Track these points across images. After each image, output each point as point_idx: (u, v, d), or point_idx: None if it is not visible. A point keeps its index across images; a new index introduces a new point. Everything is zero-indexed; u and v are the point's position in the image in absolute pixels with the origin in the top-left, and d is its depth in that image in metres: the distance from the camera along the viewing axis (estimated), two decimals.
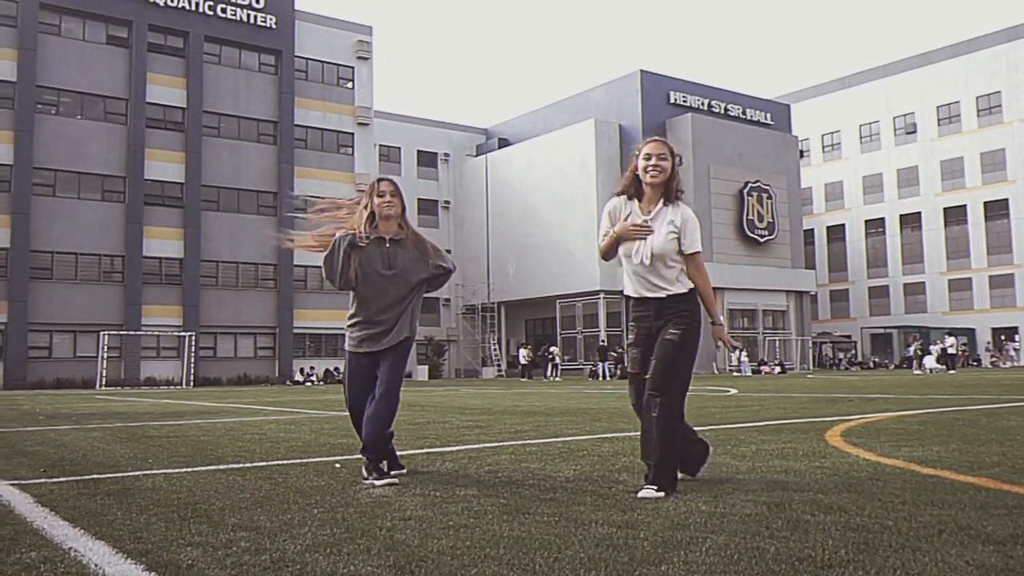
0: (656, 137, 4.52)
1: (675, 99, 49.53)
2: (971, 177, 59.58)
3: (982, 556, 2.73)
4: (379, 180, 5.01)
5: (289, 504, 4.00)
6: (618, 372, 38.93)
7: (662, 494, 4.03)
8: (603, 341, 44.02)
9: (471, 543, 3.07)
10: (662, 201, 4.40)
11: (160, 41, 41.64)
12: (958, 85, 60.19)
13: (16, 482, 4.96)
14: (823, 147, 68.10)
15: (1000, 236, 58.23)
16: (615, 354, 40.18)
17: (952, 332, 40.45)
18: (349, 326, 5.03)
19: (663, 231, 4.34)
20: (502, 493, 4.23)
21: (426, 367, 49.02)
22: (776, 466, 5.08)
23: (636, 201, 4.45)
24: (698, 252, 4.38)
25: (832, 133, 67.55)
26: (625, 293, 4.56)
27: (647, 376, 4.30)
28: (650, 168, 4.37)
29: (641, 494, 4.05)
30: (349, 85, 47.25)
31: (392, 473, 4.90)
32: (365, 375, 4.90)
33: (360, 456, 4.92)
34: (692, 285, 4.36)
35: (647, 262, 4.35)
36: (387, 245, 4.94)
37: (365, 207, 4.95)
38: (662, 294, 4.34)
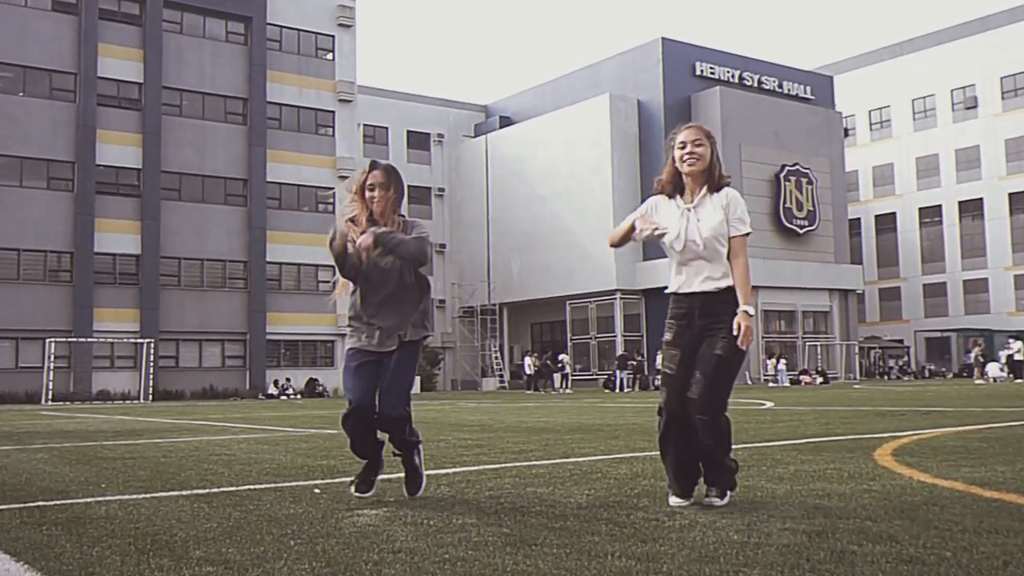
0: (692, 123, 4.70)
1: (701, 70, 49.54)
2: None
3: None
4: (370, 168, 5.04)
5: (262, 535, 4.01)
6: (637, 383, 38.96)
7: (724, 500, 4.54)
8: (625, 350, 44.05)
9: None
10: (706, 189, 4.60)
11: (113, 7, 41.72)
12: None
13: None
14: (871, 125, 68.09)
15: None
16: (634, 362, 40.20)
17: (1019, 335, 40.42)
18: (349, 324, 5.10)
19: (713, 214, 4.54)
20: (505, 521, 4.24)
21: (418, 378, 49.08)
22: (818, 489, 5.09)
23: (677, 197, 4.65)
24: (748, 234, 4.59)
25: (881, 109, 67.52)
26: (670, 290, 4.69)
27: (690, 383, 4.49)
28: (686, 156, 4.55)
29: (705, 502, 4.52)
30: (329, 56, 47.31)
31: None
32: (371, 371, 4.95)
33: (349, 478, 4.94)
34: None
35: (699, 245, 4.51)
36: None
37: (355, 195, 5.02)
38: (712, 287, 4.52)
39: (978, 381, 36.83)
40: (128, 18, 42.11)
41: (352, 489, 5.05)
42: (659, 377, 4.76)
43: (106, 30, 41.28)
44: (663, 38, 49.13)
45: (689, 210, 4.58)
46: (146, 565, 3.40)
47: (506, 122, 56.79)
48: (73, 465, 7.66)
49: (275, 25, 45.57)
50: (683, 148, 4.55)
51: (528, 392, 39.06)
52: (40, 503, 5.23)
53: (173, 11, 43.00)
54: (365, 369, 4.92)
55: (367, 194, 4.97)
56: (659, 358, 40.33)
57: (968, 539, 3.55)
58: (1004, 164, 61.09)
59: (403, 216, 5.06)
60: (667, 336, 4.67)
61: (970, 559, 3.19)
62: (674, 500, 4.60)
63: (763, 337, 47.71)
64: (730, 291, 4.51)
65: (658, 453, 4.76)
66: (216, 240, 42.79)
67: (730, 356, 4.45)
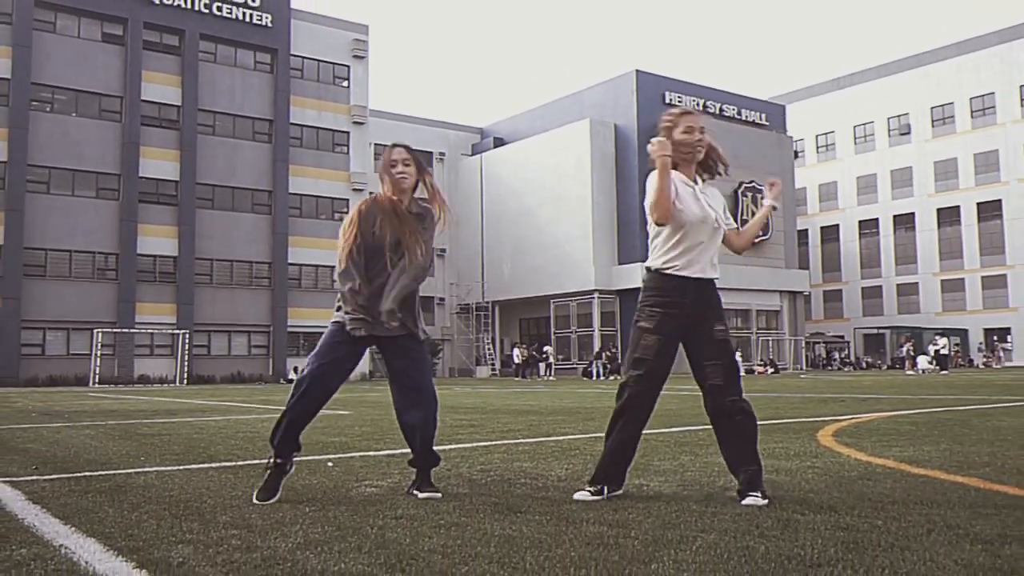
0: (689, 109, 4.09)
1: (670, 99, 49.55)
2: (964, 178, 59.79)
3: (970, 555, 2.74)
4: (392, 146, 4.42)
5: (280, 502, 3.99)
6: (610, 370, 38.95)
7: (766, 501, 3.74)
8: (602, 344, 44.07)
9: (462, 541, 3.07)
10: (699, 177, 4.09)
11: (155, 39, 41.56)
12: (952, 86, 60.40)
13: (8, 479, 4.95)
14: (817, 148, 68.27)
15: (993, 237, 58.46)
16: (609, 354, 40.19)
17: (945, 333, 40.60)
18: (344, 300, 4.23)
19: (717, 204, 4.09)
20: (494, 492, 4.24)
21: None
22: (768, 466, 5.08)
23: (681, 174, 4.03)
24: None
25: (827, 134, 67.72)
26: (661, 268, 3.95)
27: (705, 371, 3.96)
28: (699, 145, 4.00)
29: (746, 502, 3.74)
30: (345, 84, 47.20)
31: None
32: (348, 356, 4.23)
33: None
34: None
35: (720, 227, 4.01)
36: (405, 216, 4.32)
37: (382, 180, 4.37)
38: (713, 274, 4.01)
39: (909, 372, 36.95)
40: (169, 48, 41.94)
41: (255, 497, 4.03)
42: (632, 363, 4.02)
43: (149, 59, 41.10)
44: (637, 70, 49.10)
45: (702, 192, 4.02)
46: (178, 528, 3.39)
47: (499, 143, 56.71)
48: (116, 440, 7.63)
49: (297, 56, 45.44)
50: (691, 132, 3.98)
51: (516, 379, 39.03)
52: (86, 473, 5.21)
53: (208, 43, 42.84)
54: (345, 352, 4.22)
55: (392, 170, 4.34)
56: None
57: (897, 510, 3.56)
58: (933, 183, 61.37)
59: (420, 201, 4.41)
60: (646, 324, 3.95)
61: (899, 527, 3.21)
62: (582, 494, 3.95)
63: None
64: (715, 283, 4.02)
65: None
66: (244, 244, 42.65)
67: (730, 336, 4.01)
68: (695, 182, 4.05)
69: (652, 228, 4.02)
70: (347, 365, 4.27)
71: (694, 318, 3.95)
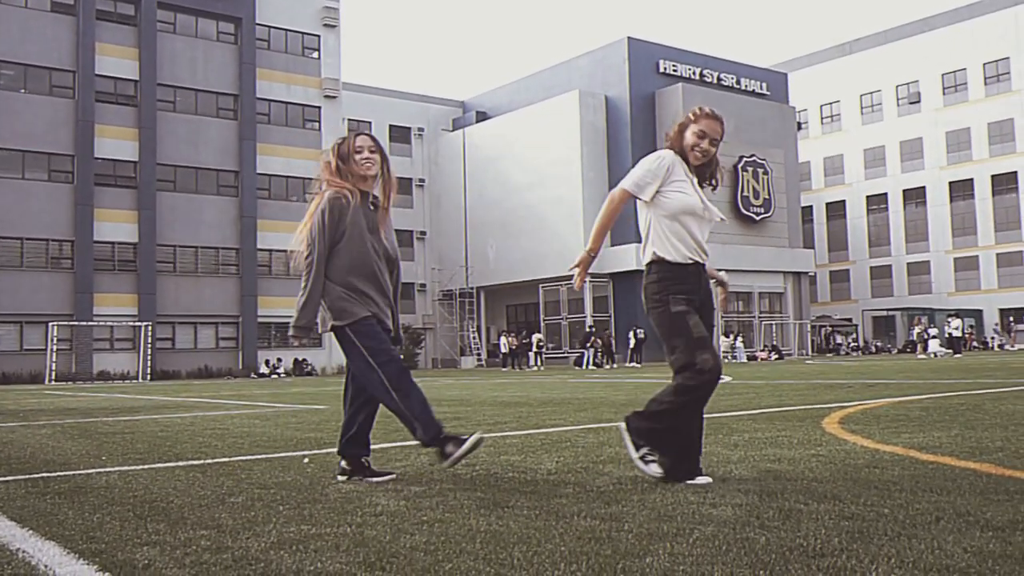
0: (716, 113, 4.29)
1: (665, 68, 49.55)
2: (978, 149, 60.08)
3: (980, 543, 2.79)
4: (355, 135, 4.50)
5: (253, 501, 4.02)
6: (603, 360, 39.04)
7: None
8: (591, 327, 44.10)
9: (445, 538, 3.09)
10: (697, 177, 4.35)
11: (109, 8, 41.20)
12: (964, 51, 60.58)
13: None
14: (822, 118, 68.45)
15: (1009, 212, 58.84)
16: (601, 341, 40.23)
17: (958, 314, 40.91)
18: (347, 292, 4.39)
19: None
20: (479, 487, 4.27)
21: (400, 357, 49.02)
22: (769, 455, 5.14)
23: (685, 164, 4.30)
24: None
25: (831, 103, 67.89)
26: (672, 259, 4.20)
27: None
28: (699, 152, 4.25)
29: (700, 480, 4.12)
30: (315, 55, 46.95)
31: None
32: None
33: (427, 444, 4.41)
34: None
35: (716, 218, 4.32)
36: (371, 207, 4.54)
37: (329, 166, 4.48)
38: (706, 258, 4.31)
39: (920, 356, 37.22)
40: (124, 18, 41.60)
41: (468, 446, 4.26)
42: (690, 341, 4.11)
43: (103, 30, 40.77)
44: (629, 37, 49.04)
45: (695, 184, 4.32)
46: (143, 529, 3.41)
47: (482, 117, 56.62)
48: (75, 439, 7.63)
49: (264, 25, 45.16)
50: (701, 139, 4.24)
51: (504, 370, 39.11)
52: (44, 474, 5.21)
53: (167, 12, 42.52)
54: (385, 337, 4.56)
55: (355, 156, 4.45)
56: (631, 336, 40.50)
57: (904, 497, 3.61)
58: (945, 155, 61.64)
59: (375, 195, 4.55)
60: (681, 308, 4.15)
61: (905, 515, 3.25)
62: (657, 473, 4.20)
63: (722, 317, 48.02)
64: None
65: (623, 424, 4.40)
66: (210, 228, 42.49)
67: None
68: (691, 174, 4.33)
69: (644, 218, 4.28)
70: None
71: (698, 303, 4.24)
